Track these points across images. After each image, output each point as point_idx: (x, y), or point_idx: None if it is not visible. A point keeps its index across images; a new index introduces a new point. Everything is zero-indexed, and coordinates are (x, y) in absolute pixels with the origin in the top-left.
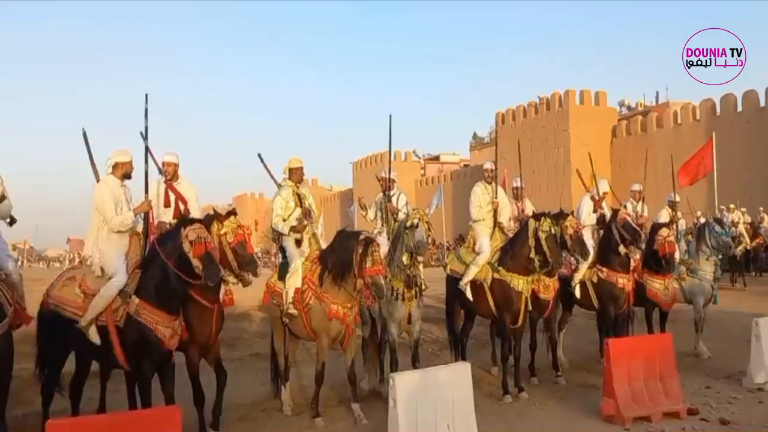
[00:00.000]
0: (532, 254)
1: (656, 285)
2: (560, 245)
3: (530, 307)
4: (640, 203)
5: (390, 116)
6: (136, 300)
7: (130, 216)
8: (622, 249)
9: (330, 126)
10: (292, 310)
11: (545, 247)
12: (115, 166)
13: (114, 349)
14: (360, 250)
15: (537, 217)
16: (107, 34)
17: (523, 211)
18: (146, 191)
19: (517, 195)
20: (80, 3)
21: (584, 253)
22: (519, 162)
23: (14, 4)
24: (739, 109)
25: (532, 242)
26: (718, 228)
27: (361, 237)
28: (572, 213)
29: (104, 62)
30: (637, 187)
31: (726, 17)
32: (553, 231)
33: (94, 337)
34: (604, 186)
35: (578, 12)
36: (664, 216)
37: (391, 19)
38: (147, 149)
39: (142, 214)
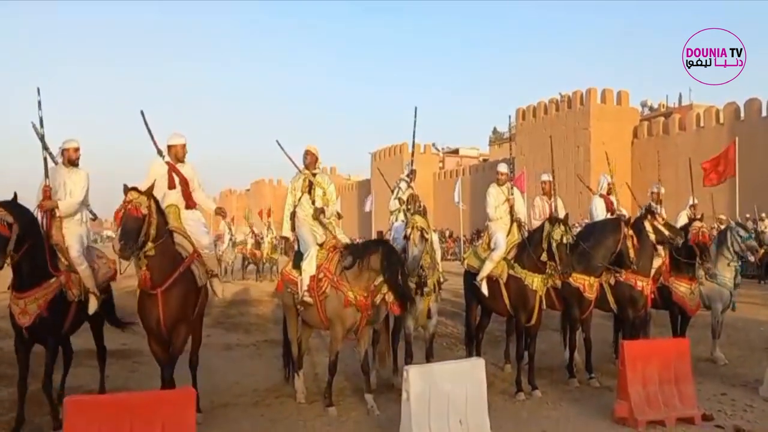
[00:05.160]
0: (544, 257)
1: (682, 289)
2: (616, 257)
3: (545, 306)
4: (659, 205)
5: (416, 108)
6: None
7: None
8: (660, 249)
9: (350, 116)
10: (308, 298)
11: (555, 255)
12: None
13: None
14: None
15: (552, 221)
16: (141, 18)
17: (555, 209)
18: (46, 176)
19: (546, 191)
20: None
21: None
22: (551, 157)
23: None
24: (764, 113)
25: (545, 245)
26: (742, 232)
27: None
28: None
29: (138, 44)
30: (656, 188)
31: (751, 20)
32: (564, 240)
33: None
34: (606, 179)
35: (603, 10)
36: (683, 219)
37: (414, 12)
38: (43, 138)
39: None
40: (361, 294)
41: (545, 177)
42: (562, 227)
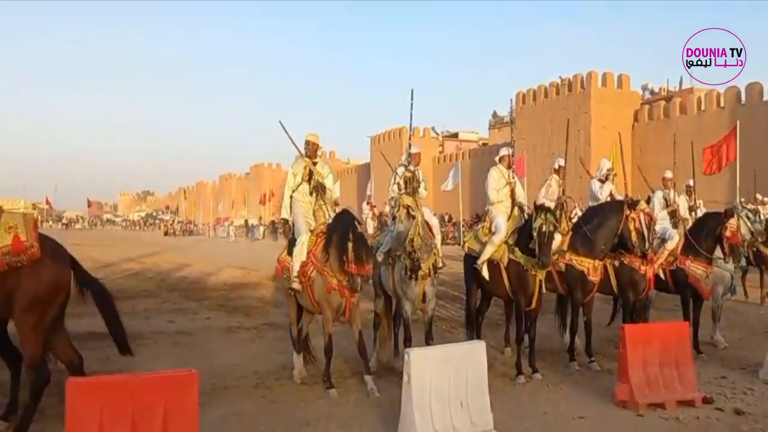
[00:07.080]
0: (533, 244)
1: (699, 271)
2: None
3: (544, 290)
4: (671, 190)
5: (412, 91)
6: None
7: None
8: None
9: (349, 100)
10: (296, 285)
11: (536, 241)
12: None
13: None
14: (350, 246)
15: (537, 209)
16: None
17: (564, 192)
18: None
19: (560, 174)
20: None
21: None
22: (566, 140)
23: None
24: (765, 98)
25: (532, 232)
26: (751, 216)
27: (357, 231)
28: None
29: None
30: (668, 174)
31: (751, 4)
32: (544, 229)
33: None
34: (606, 164)
35: None
36: (683, 202)
37: None
38: None
39: None
40: (343, 279)
41: (562, 162)
42: (543, 216)
